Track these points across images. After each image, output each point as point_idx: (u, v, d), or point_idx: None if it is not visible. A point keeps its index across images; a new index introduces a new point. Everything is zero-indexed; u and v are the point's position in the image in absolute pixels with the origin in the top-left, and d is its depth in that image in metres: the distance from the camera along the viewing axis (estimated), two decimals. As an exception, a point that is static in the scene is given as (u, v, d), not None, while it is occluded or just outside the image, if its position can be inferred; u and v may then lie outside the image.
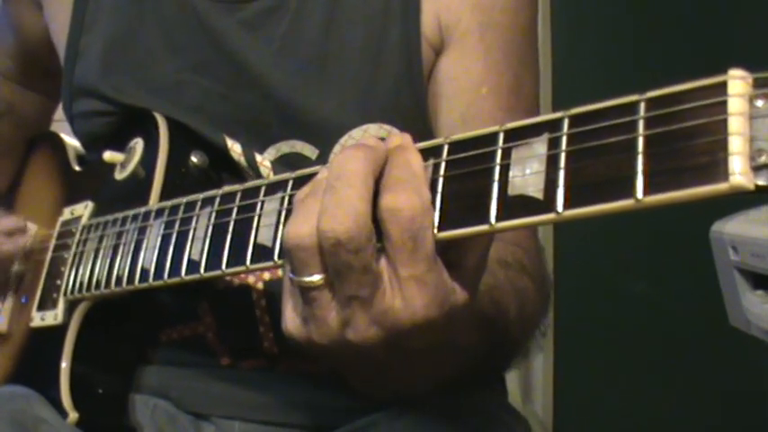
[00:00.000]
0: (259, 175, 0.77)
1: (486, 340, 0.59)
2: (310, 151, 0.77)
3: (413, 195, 0.43)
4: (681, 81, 0.37)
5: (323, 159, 0.75)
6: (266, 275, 0.78)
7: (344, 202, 0.43)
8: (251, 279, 0.78)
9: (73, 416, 0.72)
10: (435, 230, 0.44)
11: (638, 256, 1.57)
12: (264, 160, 0.78)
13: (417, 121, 0.78)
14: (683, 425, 1.39)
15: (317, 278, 0.45)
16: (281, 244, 0.51)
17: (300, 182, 0.53)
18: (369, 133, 0.76)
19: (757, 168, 0.34)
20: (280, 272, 0.77)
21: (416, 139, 0.48)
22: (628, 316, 1.61)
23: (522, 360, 0.72)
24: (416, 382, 0.55)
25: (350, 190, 0.43)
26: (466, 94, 0.76)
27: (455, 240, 0.44)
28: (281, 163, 0.78)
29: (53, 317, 0.77)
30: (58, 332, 0.76)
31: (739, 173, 0.34)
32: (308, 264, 0.45)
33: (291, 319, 0.48)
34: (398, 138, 0.47)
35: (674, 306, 1.42)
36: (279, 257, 0.52)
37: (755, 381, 1.15)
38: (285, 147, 0.78)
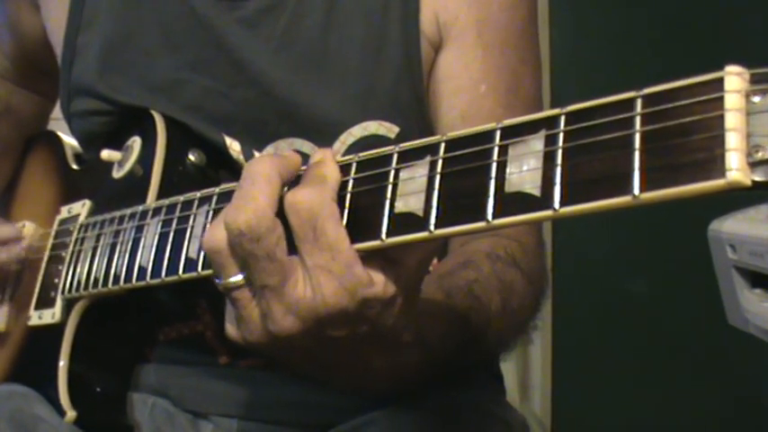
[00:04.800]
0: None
1: (458, 334, 0.60)
2: (309, 149, 0.77)
3: (313, 191, 0.46)
4: (679, 78, 0.37)
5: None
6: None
7: (246, 196, 0.47)
8: (249, 277, 0.78)
9: (71, 414, 0.72)
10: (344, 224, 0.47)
11: (637, 255, 1.57)
12: None
13: (417, 118, 0.78)
14: (681, 423, 1.39)
15: (234, 279, 0.48)
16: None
17: None
18: (368, 131, 0.76)
19: (754, 164, 0.34)
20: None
21: (416, 136, 0.48)
22: (626, 314, 1.61)
23: (509, 352, 0.73)
24: (367, 374, 0.55)
25: (252, 186, 0.47)
26: (465, 92, 0.76)
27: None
28: (281, 161, 0.78)
29: (51, 315, 0.77)
30: (55, 331, 0.76)
31: (736, 169, 0.34)
32: (225, 265, 0.48)
33: (228, 323, 0.52)
34: (320, 154, 0.50)
35: (672, 305, 1.42)
36: None
37: (754, 379, 1.15)
38: (284, 144, 0.78)
